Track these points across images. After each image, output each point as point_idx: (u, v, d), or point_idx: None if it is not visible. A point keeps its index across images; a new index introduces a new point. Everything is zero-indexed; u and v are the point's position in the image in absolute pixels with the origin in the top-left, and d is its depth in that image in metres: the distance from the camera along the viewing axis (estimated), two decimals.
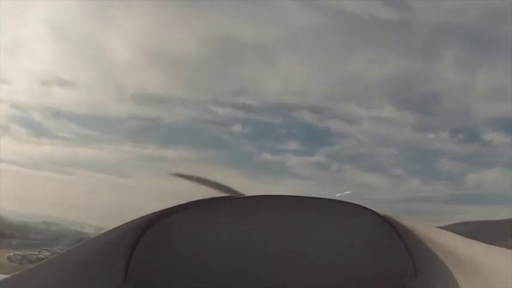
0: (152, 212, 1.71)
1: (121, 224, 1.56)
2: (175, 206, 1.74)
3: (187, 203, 1.74)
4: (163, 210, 1.72)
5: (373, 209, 1.80)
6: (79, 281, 1.27)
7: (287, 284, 1.75)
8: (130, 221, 1.61)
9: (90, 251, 1.38)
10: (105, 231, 1.56)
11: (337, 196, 1.88)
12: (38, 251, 14.15)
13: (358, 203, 1.80)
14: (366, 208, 1.80)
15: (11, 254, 13.68)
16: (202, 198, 1.78)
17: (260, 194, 1.80)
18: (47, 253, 14.68)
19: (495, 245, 1.29)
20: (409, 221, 1.71)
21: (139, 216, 1.64)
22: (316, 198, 1.83)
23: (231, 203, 1.81)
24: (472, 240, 1.39)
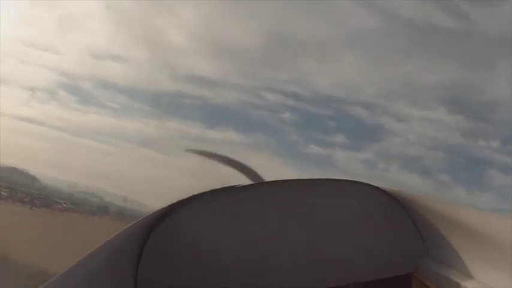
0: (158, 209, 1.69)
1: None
2: (176, 202, 1.72)
3: (188, 198, 1.73)
4: (165, 208, 1.70)
5: (381, 187, 1.78)
6: None
7: (300, 275, 1.72)
8: (134, 224, 1.58)
9: (97, 264, 1.35)
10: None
11: None
12: None
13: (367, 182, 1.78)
14: (374, 187, 1.78)
15: None
16: (203, 191, 1.76)
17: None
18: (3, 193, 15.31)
19: None
20: (419, 197, 1.68)
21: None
22: (322, 179, 1.80)
23: (233, 193, 1.78)
24: (487, 213, 1.35)
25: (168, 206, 1.70)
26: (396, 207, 1.75)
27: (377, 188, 1.78)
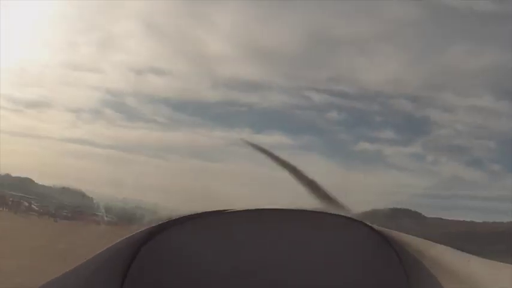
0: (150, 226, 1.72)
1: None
2: (168, 221, 1.74)
3: (179, 217, 1.76)
4: (156, 226, 1.72)
5: (368, 223, 1.79)
6: None
7: None
8: (124, 239, 1.61)
9: (84, 275, 1.38)
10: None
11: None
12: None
13: (352, 216, 1.81)
14: (359, 222, 1.80)
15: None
16: (194, 212, 1.79)
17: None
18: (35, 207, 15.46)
19: None
20: (403, 235, 1.69)
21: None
22: (309, 211, 1.84)
23: (223, 217, 1.81)
24: (470, 255, 1.36)
25: (160, 223, 1.73)
26: (382, 244, 1.76)
27: (365, 224, 1.79)
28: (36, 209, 15.95)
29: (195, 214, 1.79)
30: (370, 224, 1.80)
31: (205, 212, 1.81)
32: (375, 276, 1.75)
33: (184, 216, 1.77)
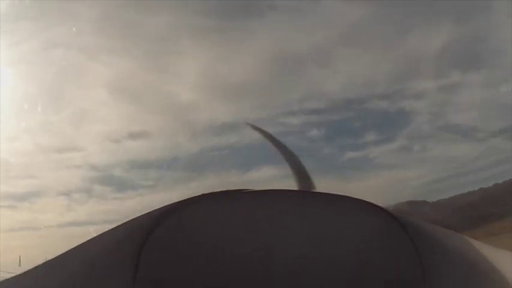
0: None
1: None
2: (184, 200, 1.72)
3: (196, 196, 1.73)
4: (171, 205, 1.70)
5: (384, 207, 1.79)
6: (87, 281, 1.29)
7: (296, 285, 1.71)
8: (139, 217, 1.61)
9: (98, 249, 1.40)
10: None
11: None
12: None
13: (369, 200, 1.79)
14: (376, 206, 1.78)
15: None
16: (212, 191, 1.77)
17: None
18: None
19: None
20: (419, 222, 1.71)
21: None
22: (327, 194, 1.83)
23: (241, 197, 1.80)
24: (489, 246, 1.39)
25: (174, 203, 1.73)
26: (397, 228, 1.76)
27: (382, 208, 1.80)
28: None
29: (212, 193, 1.76)
30: (386, 209, 1.79)
31: (224, 191, 1.77)
32: (388, 263, 1.71)
33: (200, 195, 1.74)
